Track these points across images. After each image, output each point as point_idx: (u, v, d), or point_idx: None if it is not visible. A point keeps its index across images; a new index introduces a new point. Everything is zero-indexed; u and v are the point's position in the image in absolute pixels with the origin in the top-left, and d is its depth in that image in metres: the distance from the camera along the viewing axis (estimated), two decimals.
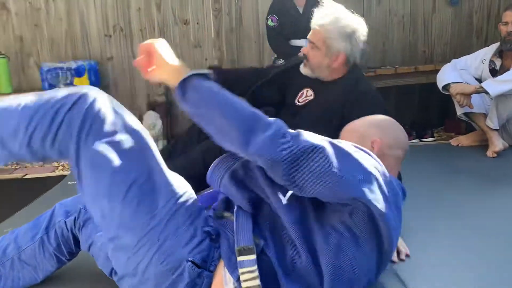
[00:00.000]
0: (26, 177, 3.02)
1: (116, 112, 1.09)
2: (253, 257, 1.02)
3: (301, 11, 3.23)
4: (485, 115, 2.92)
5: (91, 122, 1.05)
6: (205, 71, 1.12)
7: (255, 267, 1.01)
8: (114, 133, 1.06)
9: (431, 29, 3.95)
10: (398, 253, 1.52)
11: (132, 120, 1.11)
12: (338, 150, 1.03)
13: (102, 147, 1.04)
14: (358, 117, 1.46)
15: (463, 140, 3.15)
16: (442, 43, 3.96)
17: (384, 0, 3.86)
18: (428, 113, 3.99)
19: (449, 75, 2.99)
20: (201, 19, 3.78)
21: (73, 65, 3.41)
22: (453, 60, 3.11)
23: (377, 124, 1.32)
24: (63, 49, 3.73)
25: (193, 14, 3.77)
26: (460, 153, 2.97)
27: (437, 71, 3.15)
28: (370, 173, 1.04)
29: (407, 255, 1.53)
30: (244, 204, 1.10)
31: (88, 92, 1.09)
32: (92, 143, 1.05)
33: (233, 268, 1.03)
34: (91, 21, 3.71)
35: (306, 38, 3.14)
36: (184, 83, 1.07)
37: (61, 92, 1.09)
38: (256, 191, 1.10)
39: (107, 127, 1.06)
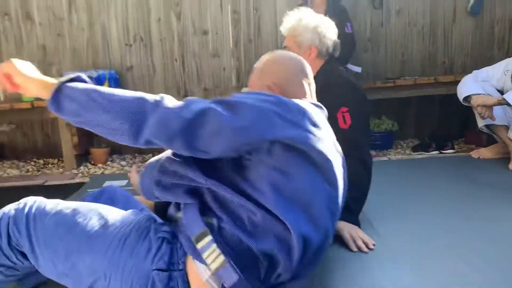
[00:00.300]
0: (46, 183, 3.06)
1: (54, 200, 1.25)
2: (209, 238, 1.03)
3: None
4: (507, 127, 2.86)
5: (34, 214, 1.20)
6: (74, 75, 1.11)
7: (215, 245, 1.02)
8: (53, 209, 1.20)
9: (451, 40, 3.90)
10: (367, 245, 1.68)
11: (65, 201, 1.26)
12: (226, 103, 1.05)
13: (47, 223, 1.18)
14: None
15: (484, 152, 3.09)
16: (462, 54, 3.91)
17: (404, 11, 3.84)
18: (448, 124, 3.94)
19: (470, 86, 2.95)
20: (219, 29, 3.82)
21: (94, 74, 3.47)
22: (474, 71, 3.07)
23: (262, 70, 1.32)
24: (84, 58, 3.81)
25: (212, 24, 3.81)
26: (481, 165, 2.91)
27: (457, 82, 3.11)
28: (263, 110, 1.05)
29: (373, 245, 1.69)
30: (186, 200, 1.11)
31: (28, 199, 1.26)
32: (39, 226, 1.18)
33: (199, 257, 1.05)
34: (112, 30, 3.78)
35: None
36: (56, 95, 1.06)
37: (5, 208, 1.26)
38: (187, 183, 1.11)
39: (48, 209, 1.21)
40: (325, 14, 3.19)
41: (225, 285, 1.01)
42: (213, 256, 1.02)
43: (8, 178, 3.30)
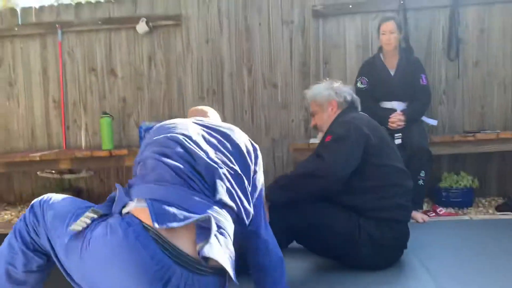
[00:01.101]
0: None
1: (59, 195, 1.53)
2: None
3: (392, 73, 3.18)
4: None
5: (44, 205, 1.48)
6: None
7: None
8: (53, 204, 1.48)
9: None
10: None
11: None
12: None
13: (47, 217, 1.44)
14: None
15: None
16: None
17: (482, 62, 3.67)
18: None
19: None
20: (289, 81, 3.87)
21: None
22: None
23: None
24: (160, 110, 4.00)
25: (282, 77, 3.88)
26: None
27: None
28: None
29: None
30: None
31: (44, 196, 1.53)
32: (47, 215, 1.45)
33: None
34: (187, 84, 3.97)
35: (398, 100, 3.14)
36: None
37: None
38: None
39: (51, 203, 1.48)
40: (397, 66, 3.17)
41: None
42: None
43: None
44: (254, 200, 1.49)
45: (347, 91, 2.29)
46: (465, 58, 3.68)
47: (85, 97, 4.08)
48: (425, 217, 2.92)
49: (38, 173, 4.02)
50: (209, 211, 1.26)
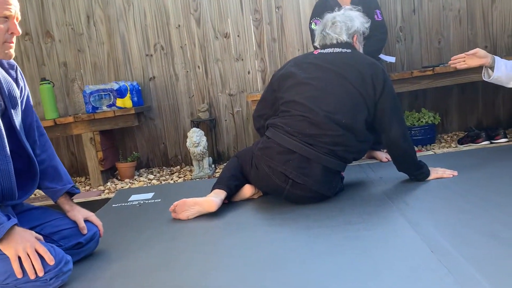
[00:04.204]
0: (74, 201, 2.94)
1: None
2: None
3: None
4: None
5: None
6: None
7: None
8: None
9: (492, 22, 3.60)
10: None
11: None
12: None
13: None
14: None
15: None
16: (505, 35, 3.60)
17: None
18: (496, 111, 3.62)
19: None
20: (241, 31, 3.66)
21: (115, 86, 3.36)
22: None
23: None
24: (106, 72, 3.73)
25: (233, 26, 3.66)
26: None
27: None
28: None
29: None
30: None
31: None
32: None
33: None
34: (132, 41, 3.69)
35: None
36: None
37: None
38: None
39: None
40: (351, 3, 3.00)
41: None
42: None
43: (35, 198, 3.22)
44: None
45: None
46: None
47: (22, 65, 3.73)
48: (389, 156, 2.86)
49: None
50: None
